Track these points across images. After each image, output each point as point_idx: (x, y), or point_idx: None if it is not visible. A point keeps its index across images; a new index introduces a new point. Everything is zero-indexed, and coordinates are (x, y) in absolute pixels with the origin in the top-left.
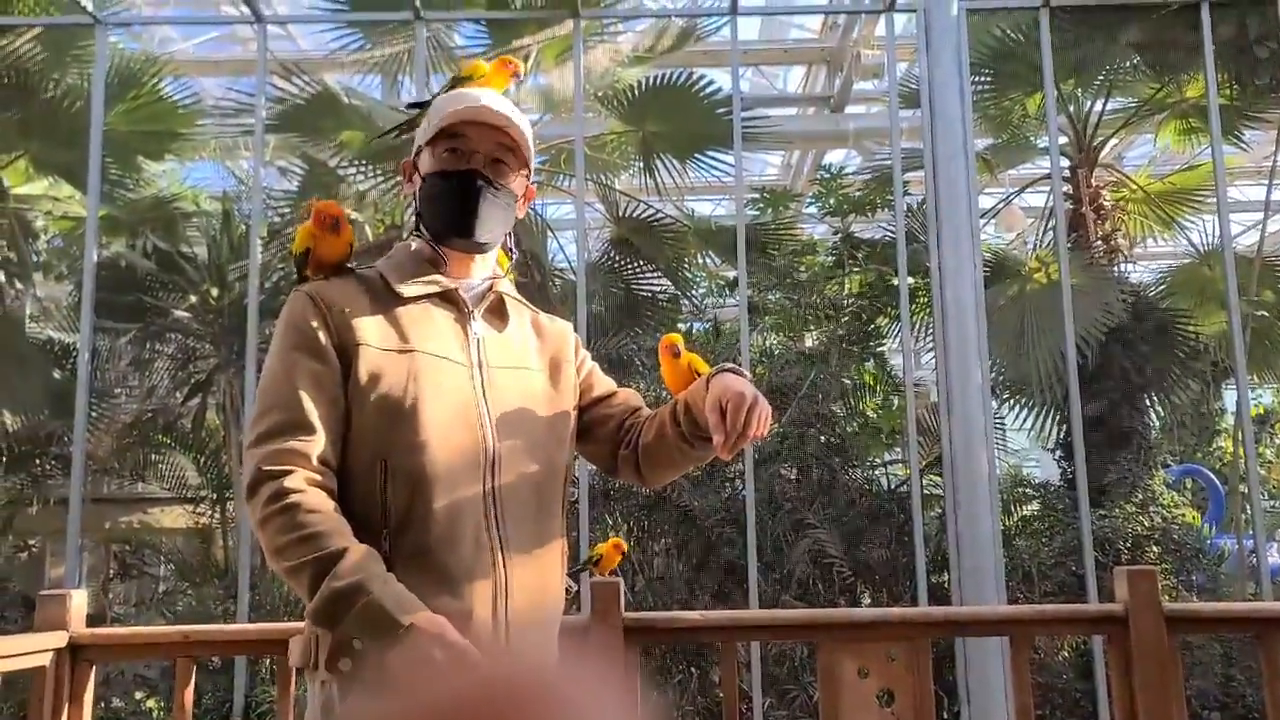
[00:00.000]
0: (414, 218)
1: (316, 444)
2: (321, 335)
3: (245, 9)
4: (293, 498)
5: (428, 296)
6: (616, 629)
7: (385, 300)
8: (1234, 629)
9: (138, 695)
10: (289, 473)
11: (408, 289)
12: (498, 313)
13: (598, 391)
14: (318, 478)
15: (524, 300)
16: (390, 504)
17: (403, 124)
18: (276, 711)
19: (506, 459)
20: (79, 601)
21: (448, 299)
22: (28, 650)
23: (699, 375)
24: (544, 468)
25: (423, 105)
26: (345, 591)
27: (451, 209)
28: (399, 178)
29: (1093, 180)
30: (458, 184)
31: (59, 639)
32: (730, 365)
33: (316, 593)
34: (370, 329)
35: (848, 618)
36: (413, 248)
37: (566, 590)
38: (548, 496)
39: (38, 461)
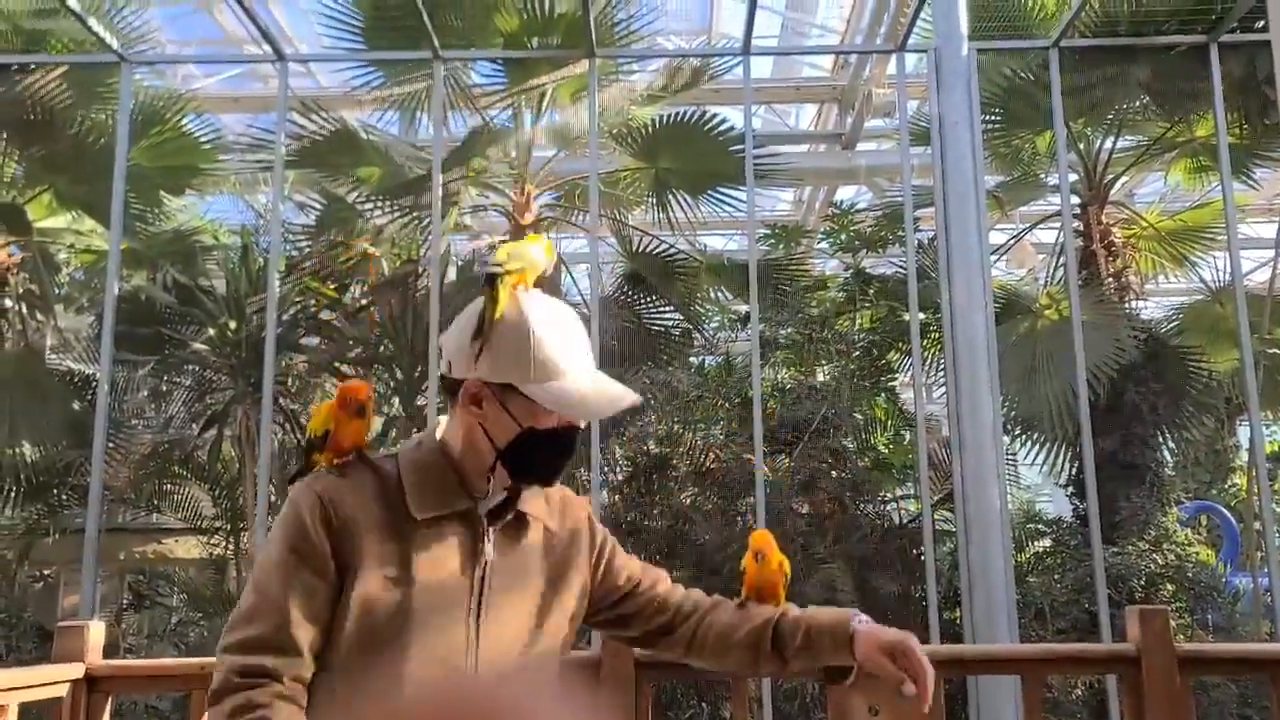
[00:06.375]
0: (482, 438)
1: (295, 665)
2: (324, 545)
3: (267, 47)
4: (260, 713)
5: (444, 517)
6: (628, 663)
7: (398, 514)
8: (1248, 671)
9: None
10: (260, 686)
11: (424, 512)
12: (513, 530)
13: (621, 581)
14: (289, 694)
15: (541, 496)
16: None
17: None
18: None
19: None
20: (96, 633)
21: (464, 518)
22: (45, 681)
23: (786, 576)
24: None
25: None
26: None
27: (550, 466)
28: (413, 214)
29: (1103, 217)
30: (564, 444)
31: (76, 670)
32: (858, 614)
33: None
34: (374, 549)
35: None
36: (437, 457)
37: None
38: None
39: (55, 491)
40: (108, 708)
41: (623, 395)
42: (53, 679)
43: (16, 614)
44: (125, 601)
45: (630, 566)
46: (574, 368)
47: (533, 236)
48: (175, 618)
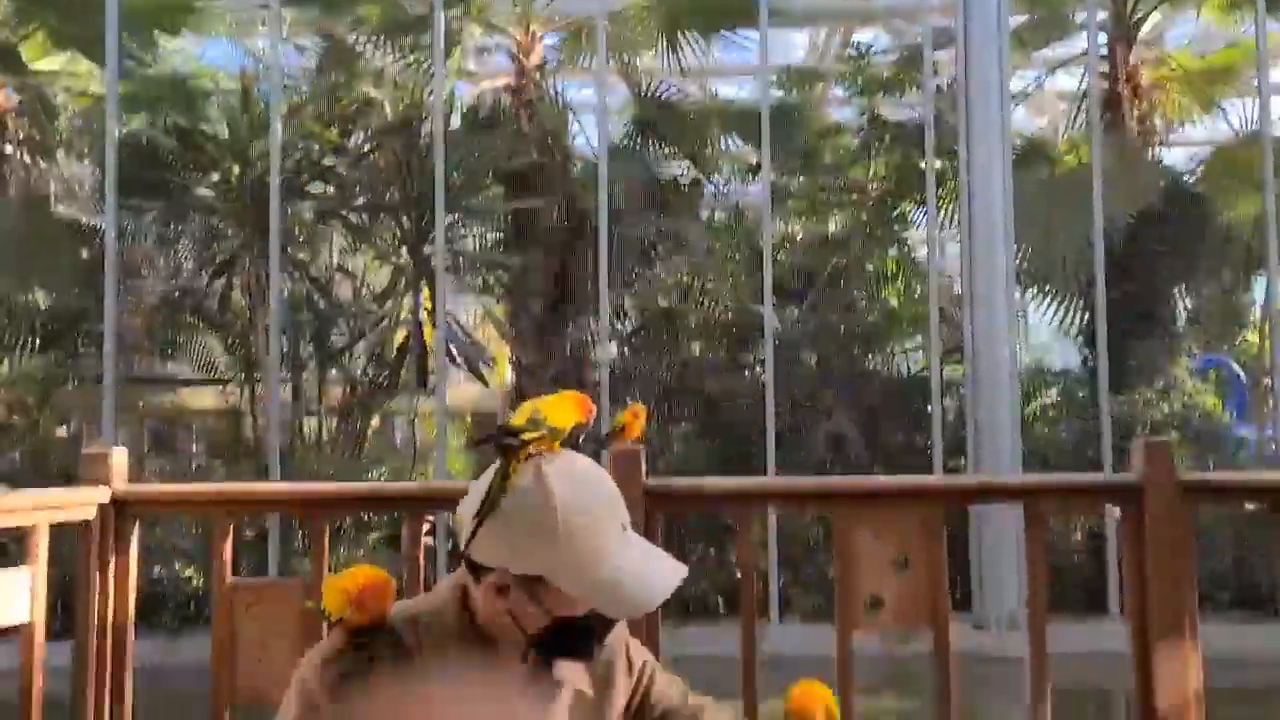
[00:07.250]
0: (510, 623)
1: None
2: None
3: None
4: None
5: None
6: (637, 497)
7: (412, 683)
8: (1250, 499)
9: (177, 565)
10: None
11: (442, 685)
12: (543, 689)
13: (656, 716)
14: None
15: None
16: None
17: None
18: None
19: None
20: (120, 459)
21: (488, 680)
22: (74, 503)
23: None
24: None
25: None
26: None
27: (587, 648)
28: (415, 54)
29: (1131, 58)
30: (601, 627)
31: (103, 493)
32: None
33: None
34: None
35: (863, 486)
36: (462, 627)
37: None
38: None
39: (72, 338)
40: (135, 531)
41: (667, 581)
42: (81, 501)
43: (40, 459)
44: (146, 448)
45: (669, 695)
46: (610, 551)
47: (563, 395)
48: (195, 464)
